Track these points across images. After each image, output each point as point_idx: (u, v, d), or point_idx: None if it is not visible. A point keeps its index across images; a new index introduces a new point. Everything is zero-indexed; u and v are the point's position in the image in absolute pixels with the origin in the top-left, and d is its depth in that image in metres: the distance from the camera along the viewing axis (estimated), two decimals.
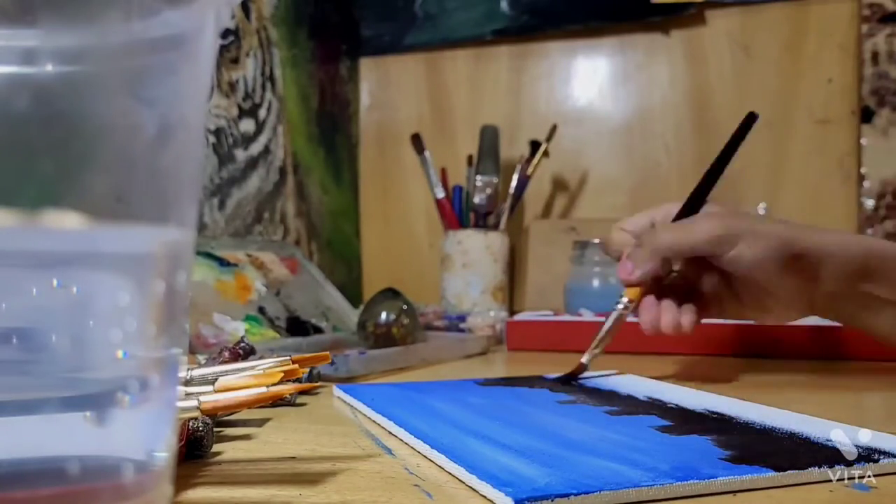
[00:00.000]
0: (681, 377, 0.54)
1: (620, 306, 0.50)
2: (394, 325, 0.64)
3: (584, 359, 0.49)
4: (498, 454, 0.28)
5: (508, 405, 0.39)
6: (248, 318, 0.66)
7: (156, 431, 0.20)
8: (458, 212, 0.95)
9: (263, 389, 0.28)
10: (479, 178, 0.93)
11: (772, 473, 0.26)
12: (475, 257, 0.90)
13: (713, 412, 0.38)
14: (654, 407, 0.39)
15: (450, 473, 0.28)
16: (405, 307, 0.65)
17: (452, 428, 0.33)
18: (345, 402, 0.43)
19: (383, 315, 0.64)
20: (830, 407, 0.43)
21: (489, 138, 0.96)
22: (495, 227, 0.94)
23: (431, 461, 0.30)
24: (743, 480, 0.25)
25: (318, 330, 0.73)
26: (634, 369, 0.53)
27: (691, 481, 0.25)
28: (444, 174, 0.97)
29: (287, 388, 0.28)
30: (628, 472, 0.26)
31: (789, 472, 0.26)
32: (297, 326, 0.71)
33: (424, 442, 0.30)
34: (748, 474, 0.25)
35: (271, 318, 0.69)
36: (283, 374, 0.29)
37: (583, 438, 0.31)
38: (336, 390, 0.45)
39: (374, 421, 0.38)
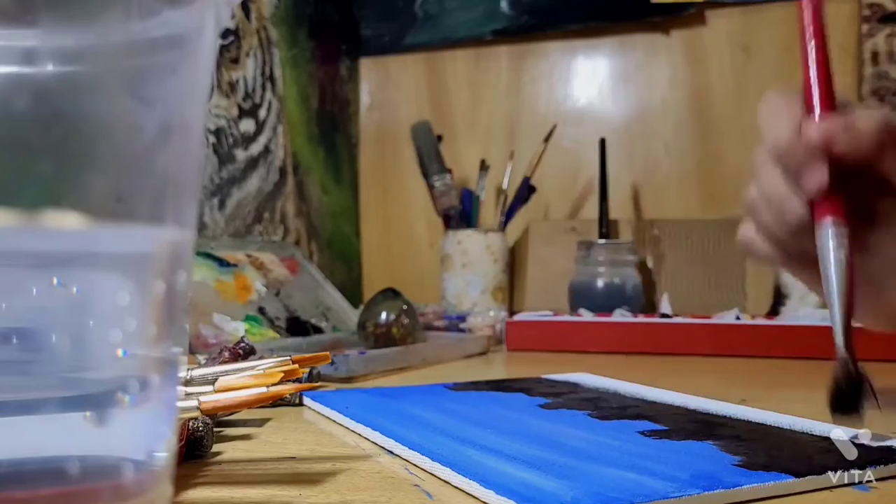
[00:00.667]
0: (675, 377, 0.54)
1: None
2: (394, 325, 0.64)
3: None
4: (504, 465, 0.28)
5: (492, 411, 0.39)
6: (248, 319, 0.66)
7: (156, 431, 0.20)
8: (468, 214, 0.95)
9: (263, 389, 0.28)
10: (435, 180, 0.92)
11: (792, 479, 0.25)
12: (475, 257, 0.90)
13: (699, 412, 0.38)
14: (638, 409, 0.38)
15: (457, 488, 0.26)
16: (405, 307, 0.65)
17: (445, 437, 0.32)
18: (317, 412, 0.41)
19: (383, 315, 0.64)
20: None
21: (423, 136, 0.95)
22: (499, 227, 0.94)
23: (433, 474, 0.28)
24: (767, 487, 0.25)
25: (318, 330, 0.73)
26: (626, 369, 0.53)
27: (718, 490, 0.24)
28: None
29: (287, 388, 0.28)
30: (650, 483, 0.25)
31: (809, 477, 0.26)
32: (297, 326, 0.71)
33: (422, 454, 0.29)
34: (771, 481, 0.25)
35: (271, 318, 0.69)
36: (283, 374, 0.29)
37: (583, 446, 0.31)
38: (306, 399, 0.43)
39: (355, 431, 0.36)
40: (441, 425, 0.35)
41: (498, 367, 0.65)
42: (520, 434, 0.33)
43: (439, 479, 0.27)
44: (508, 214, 0.95)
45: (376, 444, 0.33)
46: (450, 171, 0.94)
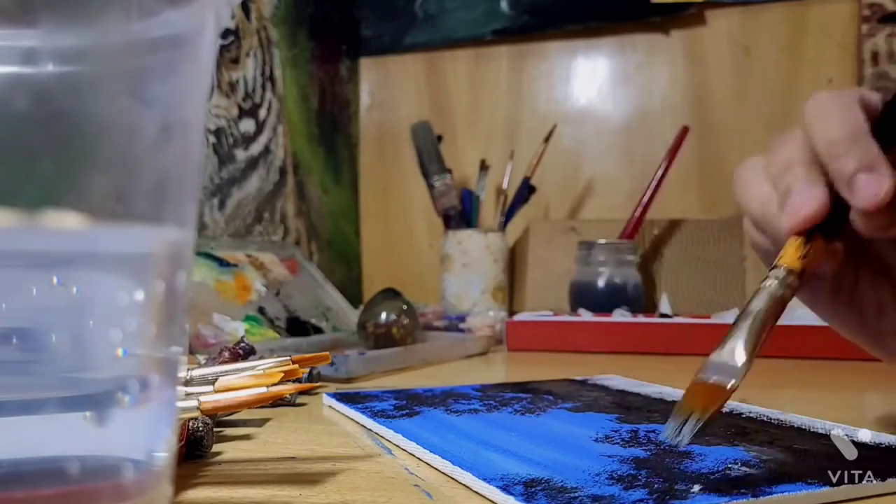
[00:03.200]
0: (675, 377, 0.54)
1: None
2: (394, 325, 0.64)
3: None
4: (526, 469, 0.27)
5: (518, 413, 0.38)
6: (247, 319, 0.66)
7: (156, 431, 0.20)
8: (468, 214, 0.95)
9: (263, 389, 0.28)
10: (435, 181, 0.92)
11: (827, 489, 0.25)
12: (475, 257, 0.90)
13: (734, 415, 0.37)
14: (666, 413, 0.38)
15: (478, 493, 0.26)
16: (405, 307, 0.65)
17: (467, 440, 0.32)
18: (338, 411, 0.41)
19: (383, 315, 0.64)
20: (830, 407, 0.43)
21: (423, 136, 0.95)
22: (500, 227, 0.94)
23: (454, 479, 0.28)
24: (798, 497, 0.24)
25: (317, 330, 0.73)
26: (627, 369, 0.53)
27: (743, 500, 0.24)
28: None
29: (287, 389, 0.28)
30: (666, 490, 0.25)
31: (844, 486, 0.25)
32: (296, 327, 0.71)
33: (444, 458, 0.29)
34: (802, 490, 0.25)
35: (271, 318, 0.69)
36: (283, 375, 0.29)
37: (601, 450, 0.30)
38: (326, 398, 0.42)
39: (375, 432, 0.36)
40: (464, 427, 0.34)
41: (498, 368, 0.65)
42: (543, 438, 0.32)
43: (458, 482, 0.27)
44: (508, 214, 0.95)
45: (398, 446, 0.33)
46: (449, 171, 0.94)
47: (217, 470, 0.29)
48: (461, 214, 0.94)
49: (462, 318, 0.81)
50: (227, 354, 0.41)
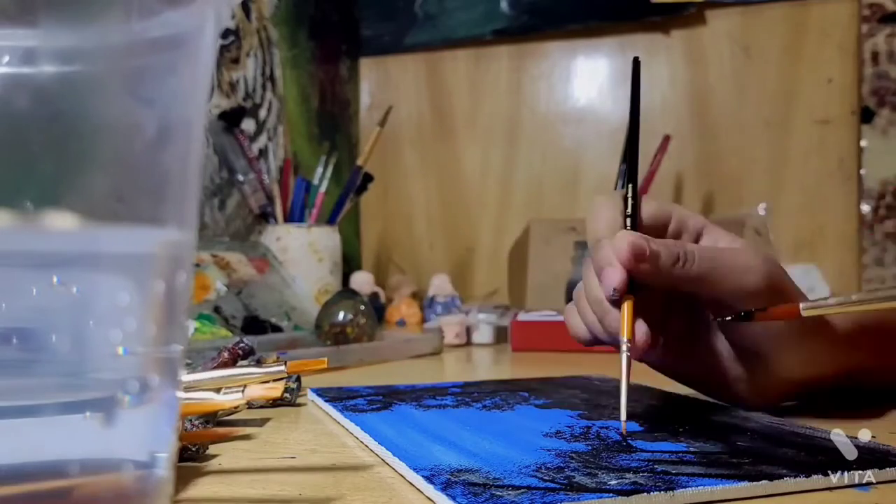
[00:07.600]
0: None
1: (625, 349, 0.35)
2: (349, 324, 0.64)
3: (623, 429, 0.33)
4: (461, 461, 0.28)
5: (485, 413, 0.38)
6: (200, 317, 0.65)
7: (157, 431, 0.20)
8: (301, 206, 0.88)
9: (239, 395, 0.29)
10: (243, 179, 0.85)
11: (745, 484, 0.25)
12: (294, 255, 0.84)
13: (699, 415, 0.37)
14: (630, 409, 0.38)
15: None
16: (362, 307, 0.65)
17: (419, 434, 0.32)
18: (320, 407, 0.41)
19: (340, 314, 0.64)
20: (830, 407, 0.43)
21: (219, 134, 0.85)
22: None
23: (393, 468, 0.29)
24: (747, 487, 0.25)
25: (276, 329, 0.71)
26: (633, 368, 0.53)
27: (690, 489, 0.24)
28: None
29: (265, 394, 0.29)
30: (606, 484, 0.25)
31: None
32: (254, 325, 0.70)
33: (387, 448, 0.30)
34: (719, 485, 0.25)
35: (227, 316, 0.68)
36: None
37: (552, 446, 0.30)
38: (311, 394, 0.43)
39: (341, 424, 0.37)
40: (424, 422, 0.35)
41: (504, 367, 0.65)
42: (494, 432, 0.33)
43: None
44: (338, 207, 0.90)
45: (358, 438, 0.34)
46: (257, 169, 0.86)
47: (217, 470, 0.29)
48: (300, 207, 0.86)
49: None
50: (226, 355, 0.41)
